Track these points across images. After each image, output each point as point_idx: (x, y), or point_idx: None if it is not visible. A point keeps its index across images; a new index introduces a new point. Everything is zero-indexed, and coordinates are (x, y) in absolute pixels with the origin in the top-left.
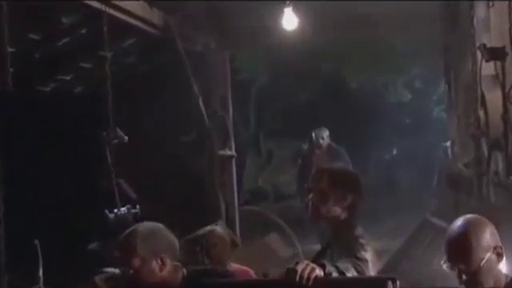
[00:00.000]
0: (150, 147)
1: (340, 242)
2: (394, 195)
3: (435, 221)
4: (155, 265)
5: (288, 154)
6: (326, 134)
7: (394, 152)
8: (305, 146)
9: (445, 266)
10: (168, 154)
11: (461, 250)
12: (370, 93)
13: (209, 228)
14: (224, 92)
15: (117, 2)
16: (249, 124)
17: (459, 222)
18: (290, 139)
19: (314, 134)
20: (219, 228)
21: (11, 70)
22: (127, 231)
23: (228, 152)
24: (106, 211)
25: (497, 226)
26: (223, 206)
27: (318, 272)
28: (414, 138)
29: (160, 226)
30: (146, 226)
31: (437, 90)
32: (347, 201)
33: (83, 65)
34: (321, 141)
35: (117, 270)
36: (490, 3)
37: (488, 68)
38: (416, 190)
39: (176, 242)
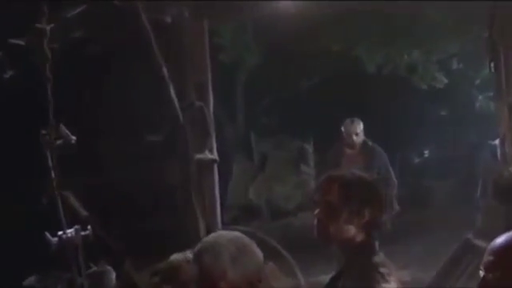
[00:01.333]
0: (105, 150)
1: (355, 270)
2: (425, 210)
3: (480, 243)
4: None
5: (287, 158)
6: (359, 127)
7: (426, 154)
8: (308, 147)
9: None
10: (129, 158)
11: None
12: (392, 78)
13: (180, 257)
14: (202, 77)
15: None
16: (236, 119)
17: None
18: (290, 139)
19: (343, 129)
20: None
21: None
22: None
23: (208, 155)
24: (47, 234)
25: None
26: (202, 227)
27: None
28: (451, 135)
29: (245, 239)
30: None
31: (481, 73)
32: (364, 218)
33: (14, 41)
34: (354, 137)
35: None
36: None
37: None
38: (454, 204)
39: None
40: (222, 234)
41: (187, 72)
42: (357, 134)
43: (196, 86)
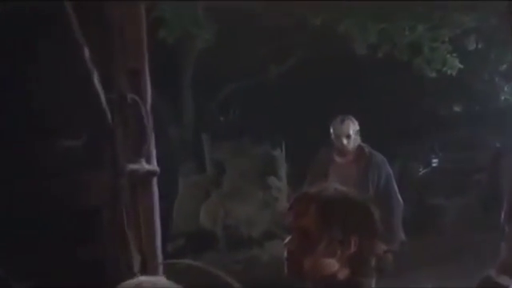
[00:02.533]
0: (2, 157)
1: None
2: (433, 237)
3: (505, 281)
4: None
5: (250, 169)
6: (353, 128)
7: (434, 163)
8: (278, 154)
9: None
10: (36, 169)
11: None
12: (389, 63)
13: None
14: (137, 62)
15: None
16: (182, 117)
17: None
18: (254, 143)
19: (332, 130)
20: None
21: None
22: None
23: (145, 166)
24: None
25: None
26: (136, 261)
27: None
28: (467, 138)
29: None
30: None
31: (506, 55)
32: (350, 249)
33: None
34: (345, 141)
35: None
36: None
37: None
38: (470, 229)
39: None
40: (142, 283)
41: (117, 54)
42: (348, 137)
43: (129, 73)
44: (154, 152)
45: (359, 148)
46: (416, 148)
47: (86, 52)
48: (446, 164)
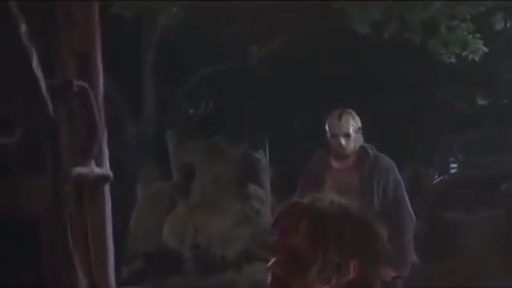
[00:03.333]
0: None
1: None
2: (452, 261)
3: None
4: None
5: (226, 174)
6: (354, 124)
7: (453, 168)
8: (261, 156)
9: None
10: None
11: None
12: (398, 45)
13: None
14: (86, 42)
15: None
16: (142, 111)
17: None
18: (231, 142)
19: (327, 127)
20: None
21: None
22: None
23: (95, 169)
24: None
25: None
26: (83, 285)
27: None
28: (492, 137)
29: None
30: None
31: None
32: (348, 275)
33: None
34: (343, 141)
35: None
36: None
37: None
38: (497, 251)
39: None
40: None
41: (61, 31)
42: (348, 136)
43: (76, 55)
44: (106, 152)
45: (361, 150)
46: (431, 150)
47: (23, 26)
48: (467, 170)
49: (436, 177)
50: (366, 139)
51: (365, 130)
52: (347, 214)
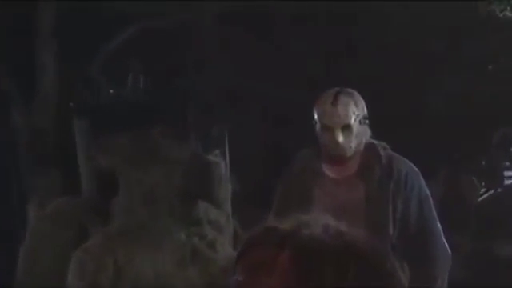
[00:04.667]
0: None
1: None
2: None
3: None
4: None
5: (165, 187)
6: (355, 110)
7: (509, 177)
8: (216, 160)
9: None
10: None
11: None
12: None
13: None
14: None
15: None
16: (38, 92)
17: None
18: (173, 139)
19: (317, 116)
20: None
21: None
22: None
23: None
24: None
25: None
26: None
27: None
28: None
29: None
30: None
31: None
32: None
33: None
34: (340, 137)
35: None
36: None
37: None
38: None
39: None
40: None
41: None
42: (348, 129)
43: None
44: None
45: (368, 150)
46: (474, 150)
47: None
48: None
49: (483, 190)
50: (376, 135)
51: (373, 120)
52: (348, 247)
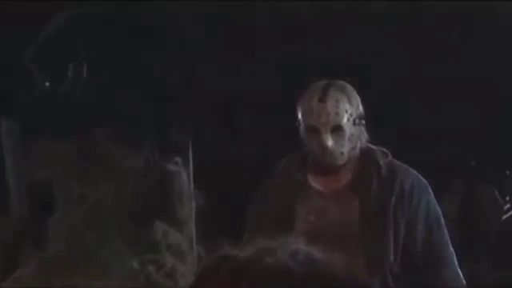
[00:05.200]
0: None
1: None
2: None
3: None
4: None
5: (114, 203)
6: (349, 109)
7: None
8: (176, 169)
9: None
10: None
11: None
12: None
13: None
14: None
15: None
16: None
17: None
18: (127, 143)
19: (301, 114)
20: None
21: None
22: None
23: None
24: None
25: None
26: None
27: None
28: None
29: None
30: None
31: None
32: None
33: None
34: (329, 141)
35: None
36: None
37: None
38: None
39: None
40: None
41: None
42: (339, 131)
43: None
44: None
45: (365, 157)
46: (496, 156)
47: None
48: None
49: (507, 207)
50: (375, 139)
51: (370, 120)
52: (320, 276)
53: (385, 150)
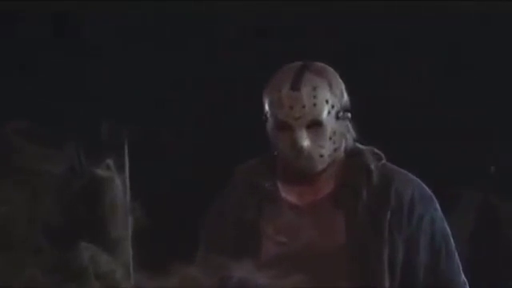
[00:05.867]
0: None
1: None
2: None
3: None
4: None
5: (25, 220)
6: (331, 98)
7: None
8: (110, 174)
9: None
10: None
11: None
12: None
13: None
14: None
15: None
16: None
17: None
18: (48, 139)
19: (269, 107)
20: None
21: None
22: None
23: None
24: None
25: None
26: None
27: None
28: None
29: None
30: None
31: None
32: None
33: None
34: (305, 142)
35: None
36: None
37: None
38: None
39: None
40: None
41: None
42: (318, 126)
43: None
44: None
45: (352, 159)
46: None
47: None
48: None
49: None
50: (366, 139)
51: (359, 116)
52: None
53: (377, 150)
